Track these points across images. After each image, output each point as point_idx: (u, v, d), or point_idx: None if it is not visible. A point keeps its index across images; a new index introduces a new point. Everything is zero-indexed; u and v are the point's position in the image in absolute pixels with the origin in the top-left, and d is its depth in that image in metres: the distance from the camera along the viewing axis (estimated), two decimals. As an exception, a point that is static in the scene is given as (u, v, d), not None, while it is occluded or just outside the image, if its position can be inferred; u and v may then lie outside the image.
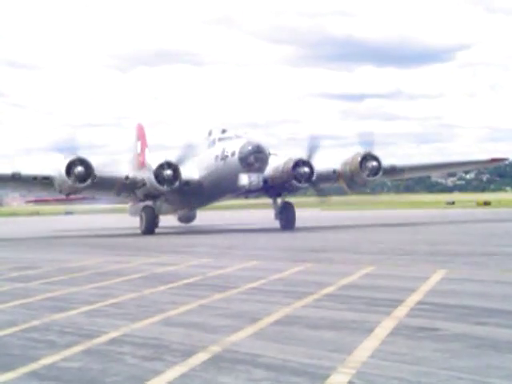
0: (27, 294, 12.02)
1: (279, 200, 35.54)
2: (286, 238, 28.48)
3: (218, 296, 10.91)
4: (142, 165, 44.08)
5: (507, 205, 73.84)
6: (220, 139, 33.71)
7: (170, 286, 12.59)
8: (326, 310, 9.27)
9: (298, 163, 33.20)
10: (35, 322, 9.01)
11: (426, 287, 11.12)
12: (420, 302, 9.59)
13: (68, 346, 7.42)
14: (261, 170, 32.02)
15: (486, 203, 79.61)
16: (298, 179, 33.16)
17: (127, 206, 47.71)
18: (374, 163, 34.01)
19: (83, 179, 31.77)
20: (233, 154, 31.92)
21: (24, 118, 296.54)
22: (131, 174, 35.00)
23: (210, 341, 7.39)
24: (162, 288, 12.25)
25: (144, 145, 47.41)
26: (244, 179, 31.66)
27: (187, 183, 34.48)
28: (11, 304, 10.93)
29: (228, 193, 35.26)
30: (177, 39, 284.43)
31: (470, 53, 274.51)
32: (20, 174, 32.94)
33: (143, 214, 35.47)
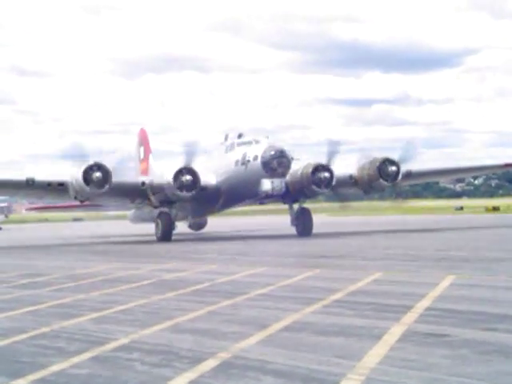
0: (36, 301, 12.04)
1: (295, 206, 34.98)
2: (302, 243, 28.46)
3: (226, 302, 10.91)
4: (145, 171, 43.93)
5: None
6: (239, 144, 33.16)
7: (181, 291, 12.59)
8: (334, 316, 9.26)
9: (318, 168, 32.79)
10: (44, 329, 9.02)
11: (434, 293, 11.09)
12: (429, 308, 9.57)
13: (77, 352, 7.43)
14: (283, 175, 31.39)
15: (495, 208, 79.36)
16: (318, 184, 32.73)
17: (128, 212, 46.82)
18: (394, 168, 33.54)
19: (101, 185, 31.04)
20: (255, 159, 31.26)
21: (32, 124, 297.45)
22: (147, 180, 34.46)
23: (219, 347, 7.39)
24: (171, 294, 12.26)
25: (147, 151, 46.74)
26: (266, 184, 31.02)
27: (204, 188, 33.71)
28: (20, 311, 10.95)
29: (248, 198, 34.57)
30: (183, 45, 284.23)
31: (477, 58, 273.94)
32: (34, 180, 32.26)
33: (159, 221, 34.58)
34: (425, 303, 10.01)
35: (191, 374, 6.30)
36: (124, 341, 8.00)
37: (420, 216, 60.61)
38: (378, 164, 33.62)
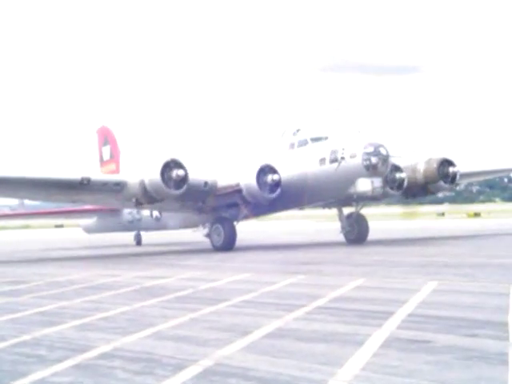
0: (17, 309, 11.96)
1: (343, 210, 32.21)
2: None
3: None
4: (115, 173, 37.44)
5: (497, 216, 74.18)
6: (314, 139, 29.62)
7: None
8: (316, 322, 9.26)
9: (443, 163, 30.97)
10: (25, 337, 8.96)
11: (416, 299, 11.13)
12: (411, 314, 9.60)
13: (58, 360, 7.38)
14: (384, 174, 28.07)
15: (476, 214, 80.00)
16: (444, 181, 30.89)
17: (85, 221, 41.89)
18: (454, 169, 31.39)
19: (179, 186, 27.21)
20: (353, 156, 27.69)
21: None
22: (209, 180, 29.70)
23: (201, 354, 7.37)
24: (153, 301, 12.22)
25: (115, 150, 40.98)
26: (365, 184, 27.53)
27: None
28: (1, 319, 10.86)
29: (330, 199, 30.74)
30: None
31: None
32: (90, 179, 28.04)
33: (219, 226, 29.93)
34: (407, 309, 10.04)
35: (173, 382, 6.28)
36: (106, 348, 7.96)
37: (401, 222, 60.85)
38: (436, 165, 31.08)
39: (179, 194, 27.37)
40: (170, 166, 27.16)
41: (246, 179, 28.80)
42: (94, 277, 17.98)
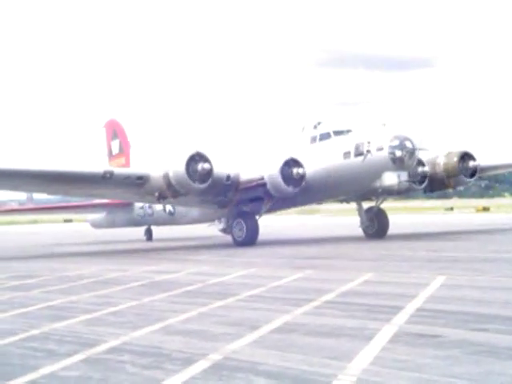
0: (27, 303, 12.01)
1: (362, 204, 31.50)
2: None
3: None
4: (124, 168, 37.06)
5: (506, 210, 73.96)
6: (336, 132, 29.01)
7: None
8: (325, 316, 9.26)
9: (464, 157, 30.53)
10: (35, 331, 9.00)
11: (425, 293, 11.11)
12: (420, 309, 9.58)
13: (68, 354, 7.41)
14: (410, 167, 27.56)
15: (485, 209, 79.75)
16: (464, 174, 30.50)
17: (94, 215, 41.15)
18: (474, 163, 30.85)
19: (203, 179, 26.62)
20: (379, 149, 27.16)
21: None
22: (232, 174, 29.01)
23: (210, 349, 7.39)
24: (162, 295, 12.25)
25: (125, 144, 40.26)
26: (391, 178, 26.99)
27: None
28: (11, 313, 10.92)
29: (353, 193, 30.19)
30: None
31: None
32: (113, 173, 27.29)
33: (241, 221, 29.24)
34: (416, 304, 10.02)
35: (182, 376, 6.30)
36: (115, 343, 7.98)
37: (409, 216, 60.74)
38: (456, 158, 30.70)
39: (204, 187, 26.85)
40: (195, 159, 26.64)
41: (271, 172, 28.18)
42: (102, 271, 18.03)
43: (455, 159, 30.49)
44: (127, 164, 38.71)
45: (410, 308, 9.65)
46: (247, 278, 15.01)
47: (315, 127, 29.82)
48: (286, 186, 27.85)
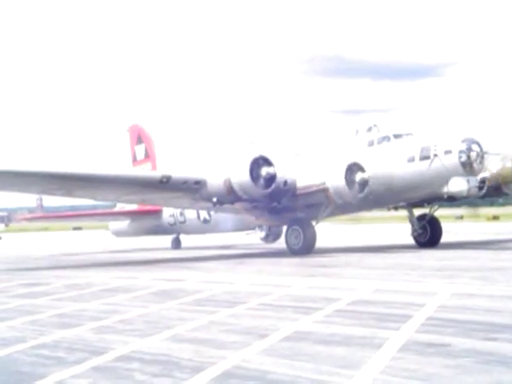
0: (36, 311, 12.03)
1: (414, 212, 30.19)
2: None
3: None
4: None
5: (516, 219, 73.64)
6: (396, 136, 27.69)
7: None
8: (335, 325, 9.24)
9: None
10: (44, 339, 9.01)
11: (435, 302, 11.07)
12: (429, 318, 9.55)
13: (77, 362, 7.42)
14: (479, 172, 26.20)
15: (495, 217, 79.42)
16: None
17: (115, 223, 38.32)
18: None
19: (268, 185, 25.56)
20: (447, 153, 25.74)
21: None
22: (289, 179, 27.20)
23: (220, 357, 7.38)
24: (171, 303, 12.25)
25: (151, 149, 39.29)
26: (460, 184, 25.52)
27: None
28: (20, 321, 10.93)
29: (415, 199, 28.71)
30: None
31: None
32: (170, 177, 26.25)
33: (298, 228, 27.34)
34: (425, 313, 9.99)
35: (191, 384, 6.29)
36: (124, 351, 7.98)
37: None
38: (509, 165, 28.91)
39: (268, 193, 25.79)
40: (259, 162, 25.53)
41: (334, 178, 26.49)
42: (112, 279, 18.04)
43: (510, 164, 28.62)
44: (153, 169, 37.11)
45: (420, 317, 9.61)
46: (257, 285, 14.99)
47: (370, 129, 28.52)
48: (349, 192, 26.19)
